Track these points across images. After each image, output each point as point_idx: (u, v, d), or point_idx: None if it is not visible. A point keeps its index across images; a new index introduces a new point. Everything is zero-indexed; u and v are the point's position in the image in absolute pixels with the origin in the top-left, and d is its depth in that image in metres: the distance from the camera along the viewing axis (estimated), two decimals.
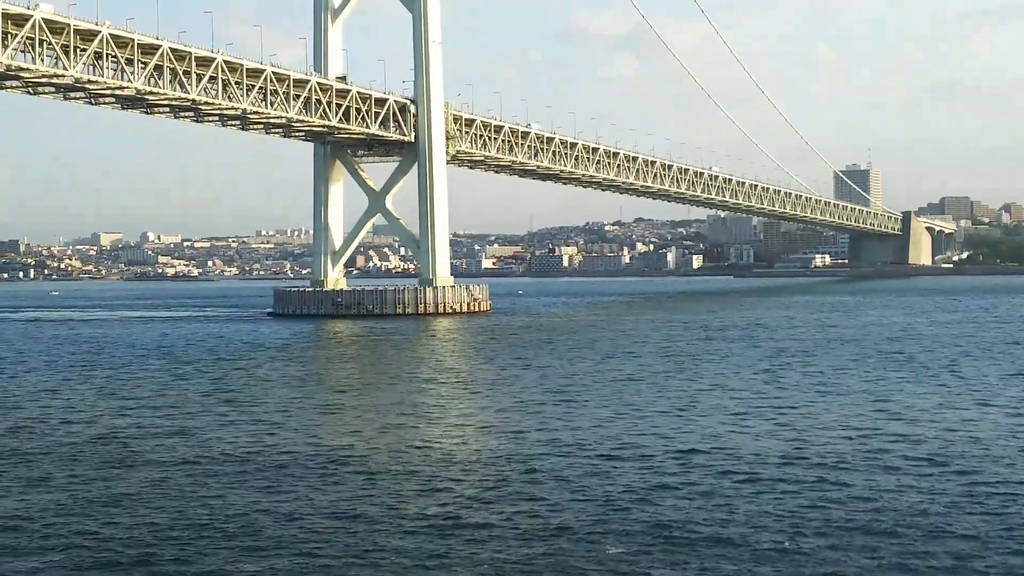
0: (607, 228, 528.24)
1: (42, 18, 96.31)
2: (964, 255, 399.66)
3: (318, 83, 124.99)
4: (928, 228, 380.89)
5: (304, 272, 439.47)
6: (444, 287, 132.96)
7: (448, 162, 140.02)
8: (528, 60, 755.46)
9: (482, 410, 52.41)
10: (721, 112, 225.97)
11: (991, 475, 32.47)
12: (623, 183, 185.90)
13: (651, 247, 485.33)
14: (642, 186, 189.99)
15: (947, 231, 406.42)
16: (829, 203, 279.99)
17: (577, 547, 24.19)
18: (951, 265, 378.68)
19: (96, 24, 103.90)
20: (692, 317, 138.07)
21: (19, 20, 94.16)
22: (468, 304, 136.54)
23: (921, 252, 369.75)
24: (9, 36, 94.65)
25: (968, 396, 52.50)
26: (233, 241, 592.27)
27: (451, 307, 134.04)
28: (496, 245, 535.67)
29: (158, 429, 45.84)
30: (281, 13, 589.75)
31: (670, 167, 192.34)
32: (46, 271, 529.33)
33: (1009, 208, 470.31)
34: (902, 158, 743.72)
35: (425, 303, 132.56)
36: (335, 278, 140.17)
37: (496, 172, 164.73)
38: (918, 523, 25.87)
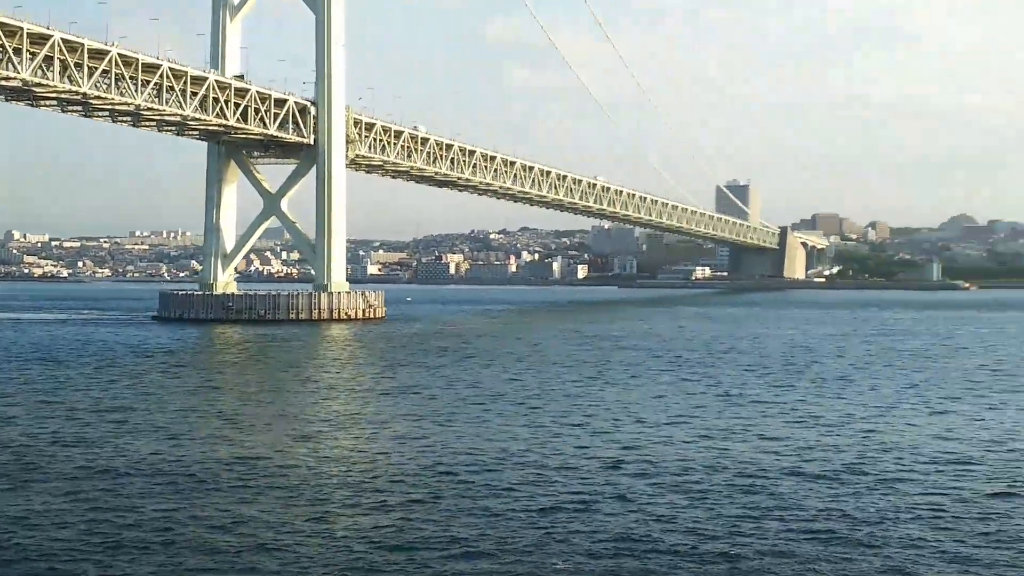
0: (492, 237, 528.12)
1: None
2: (835, 270, 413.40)
3: (216, 81, 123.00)
4: (803, 243, 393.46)
5: (182, 275, 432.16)
6: (340, 293, 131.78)
7: (346, 166, 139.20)
8: (430, 67, 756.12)
9: (393, 418, 51.53)
10: (612, 123, 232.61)
11: (908, 482, 32.94)
12: (519, 192, 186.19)
13: (536, 256, 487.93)
14: (537, 195, 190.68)
15: (819, 246, 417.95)
16: (712, 216, 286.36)
17: (517, 561, 23.46)
18: (823, 279, 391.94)
19: None
20: (587, 327, 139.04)
21: None
22: (364, 311, 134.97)
23: (796, 266, 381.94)
24: None
25: (870, 405, 53.69)
26: (105, 241, 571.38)
27: (346, 313, 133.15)
28: (381, 251, 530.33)
29: (53, 439, 43.70)
30: (179, 9, 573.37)
31: (564, 177, 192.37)
32: None
33: (875, 225, 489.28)
34: (779, 174, 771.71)
35: (320, 309, 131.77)
36: (225, 281, 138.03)
37: (393, 178, 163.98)
38: (842, 530, 25.94)
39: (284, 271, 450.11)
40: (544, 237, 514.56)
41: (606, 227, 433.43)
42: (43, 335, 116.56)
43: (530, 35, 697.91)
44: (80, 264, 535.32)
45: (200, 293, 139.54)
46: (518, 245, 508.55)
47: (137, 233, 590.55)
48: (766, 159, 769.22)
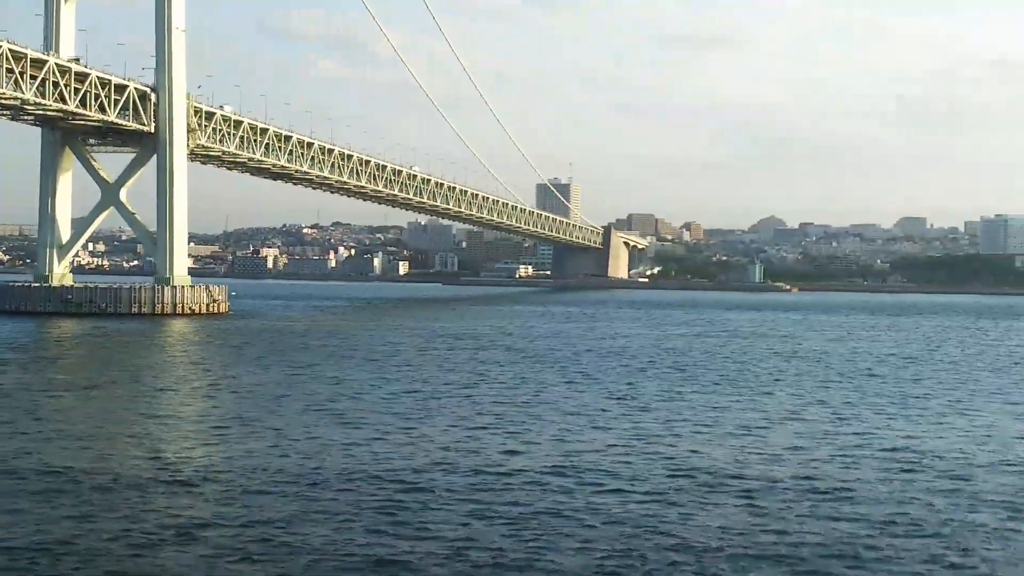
0: (305, 231, 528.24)
1: None
2: (656, 270, 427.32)
3: (56, 64, 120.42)
4: (625, 243, 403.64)
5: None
6: (183, 286, 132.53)
7: (198, 155, 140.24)
8: (253, 55, 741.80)
9: (245, 415, 51.17)
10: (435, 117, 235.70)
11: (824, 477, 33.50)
12: (354, 186, 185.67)
13: (353, 252, 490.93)
14: (356, 186, 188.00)
15: (640, 246, 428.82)
16: (534, 213, 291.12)
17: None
18: (647, 279, 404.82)
19: None
20: (434, 324, 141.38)
21: None
22: (207, 305, 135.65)
23: (620, 265, 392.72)
24: None
25: (743, 401, 55.59)
26: None
27: (190, 308, 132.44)
28: (192, 244, 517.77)
29: None
30: None
31: (384, 167, 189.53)
32: None
33: (689, 226, 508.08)
34: (598, 174, 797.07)
35: (163, 303, 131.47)
36: (61, 273, 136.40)
37: (229, 169, 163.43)
38: (696, 539, 25.52)
39: (95, 263, 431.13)
40: (358, 232, 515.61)
41: (422, 223, 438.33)
42: None
43: (347, 28, 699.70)
44: None
45: (36, 285, 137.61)
46: (332, 240, 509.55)
47: None
48: (587, 159, 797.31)
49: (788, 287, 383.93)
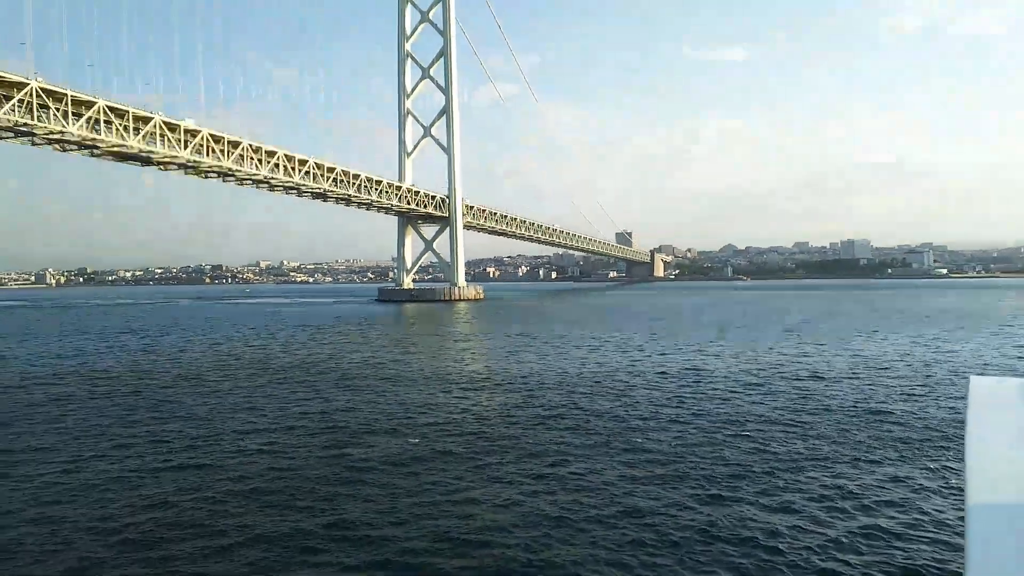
0: (505, 258, 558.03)
1: None
2: (676, 272, 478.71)
3: (407, 188, 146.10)
4: (661, 259, 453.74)
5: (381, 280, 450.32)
6: (462, 286, 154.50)
7: (466, 227, 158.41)
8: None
9: (511, 344, 52.97)
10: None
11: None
12: (543, 240, 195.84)
13: (527, 268, 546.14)
14: (543, 239, 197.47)
15: (667, 260, 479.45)
16: (615, 246, 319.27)
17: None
18: (673, 277, 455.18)
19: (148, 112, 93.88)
20: (596, 301, 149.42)
21: None
22: (475, 295, 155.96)
23: (659, 270, 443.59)
24: None
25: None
26: (326, 263, 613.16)
27: (466, 296, 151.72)
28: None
29: (368, 355, 46.15)
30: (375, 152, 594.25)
31: (549, 228, 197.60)
32: None
33: (691, 250, 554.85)
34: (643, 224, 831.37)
35: (454, 295, 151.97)
36: (407, 282, 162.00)
37: (478, 231, 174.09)
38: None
39: (415, 278, 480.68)
40: (528, 259, 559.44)
41: (560, 252, 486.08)
42: (335, 309, 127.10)
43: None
44: (316, 276, 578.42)
45: (398, 288, 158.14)
46: (516, 262, 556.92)
47: (351, 260, 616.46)
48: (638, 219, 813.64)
49: (745, 278, 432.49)
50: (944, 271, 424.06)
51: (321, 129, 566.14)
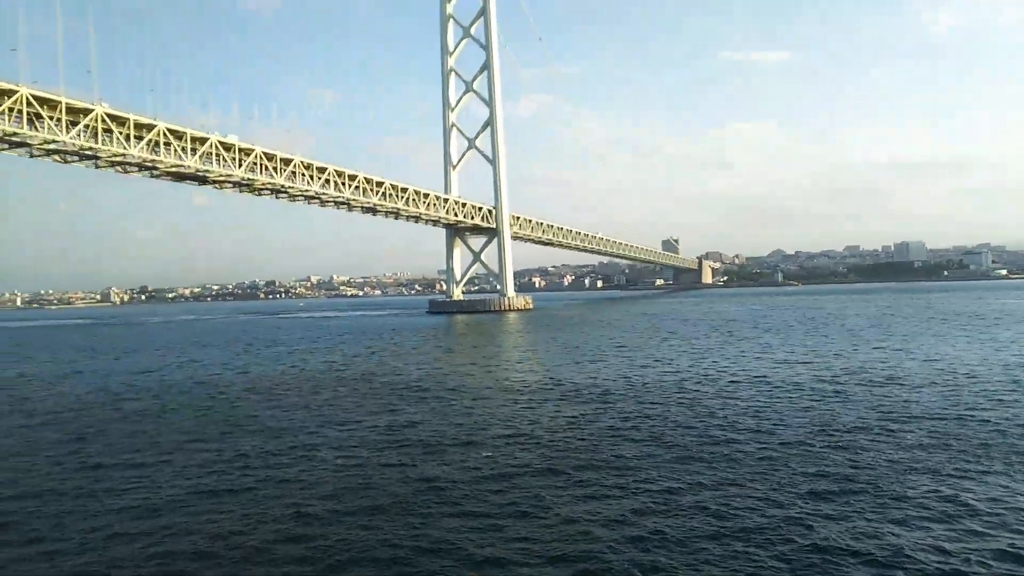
0: (549, 268, 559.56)
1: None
2: (724, 279, 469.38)
3: (454, 200, 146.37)
4: (709, 265, 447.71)
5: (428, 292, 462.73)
6: (511, 297, 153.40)
7: (513, 237, 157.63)
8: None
9: (559, 347, 55.60)
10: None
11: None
12: (587, 248, 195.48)
13: (572, 277, 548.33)
14: (592, 249, 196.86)
15: (715, 267, 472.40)
16: (664, 254, 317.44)
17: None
18: (722, 284, 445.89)
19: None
20: (650, 308, 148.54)
21: None
22: (523, 306, 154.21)
23: (707, 277, 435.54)
24: None
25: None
26: (374, 277, 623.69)
27: (516, 307, 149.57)
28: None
29: (424, 365, 49.52)
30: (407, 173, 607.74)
31: (599, 238, 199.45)
32: None
33: (738, 256, 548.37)
34: (691, 230, 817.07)
35: (504, 305, 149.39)
36: (457, 294, 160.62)
37: (524, 241, 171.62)
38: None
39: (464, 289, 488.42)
40: (573, 268, 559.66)
41: (605, 261, 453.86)
42: (389, 322, 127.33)
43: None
44: (365, 289, 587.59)
45: (448, 299, 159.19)
46: (561, 272, 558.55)
47: (398, 273, 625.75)
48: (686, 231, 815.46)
49: (796, 283, 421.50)
50: (1004, 272, 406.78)
51: (357, 146, 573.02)
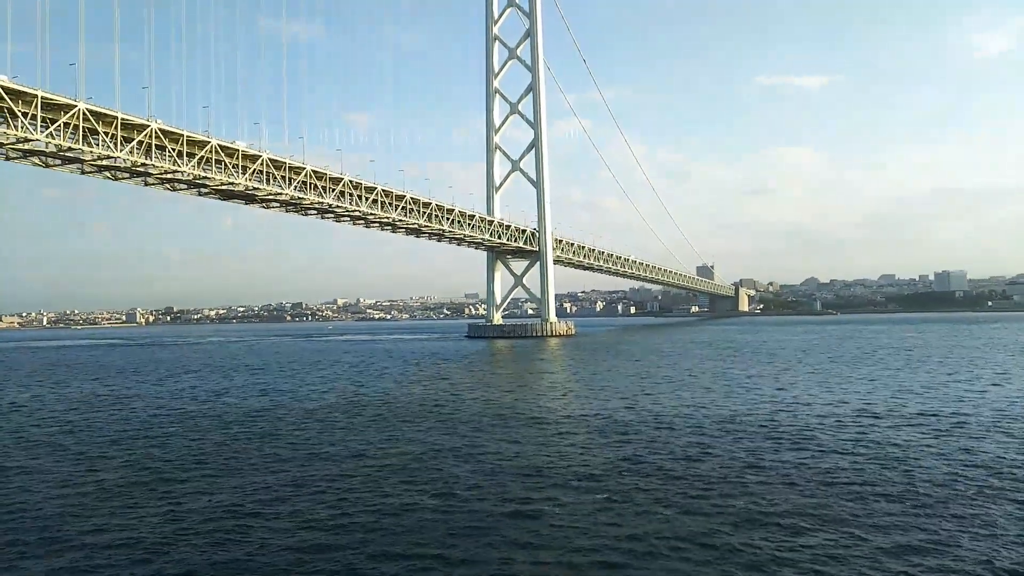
0: (579, 293, 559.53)
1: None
2: (761, 306, 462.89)
3: (498, 222, 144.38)
4: (745, 292, 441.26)
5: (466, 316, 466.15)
6: (553, 322, 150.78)
7: (555, 261, 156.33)
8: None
9: (600, 375, 55.84)
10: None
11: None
12: (626, 273, 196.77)
13: (603, 303, 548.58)
14: (629, 274, 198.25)
15: (751, 294, 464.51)
16: (699, 279, 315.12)
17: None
18: (759, 312, 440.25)
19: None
20: (691, 335, 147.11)
21: None
22: (565, 331, 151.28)
23: (743, 304, 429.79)
24: None
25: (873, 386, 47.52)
26: (402, 300, 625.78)
27: (557, 332, 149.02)
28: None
29: (457, 386, 49.81)
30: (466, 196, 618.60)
31: (638, 263, 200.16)
32: None
33: (772, 283, 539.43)
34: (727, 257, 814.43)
35: (545, 331, 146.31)
36: (497, 318, 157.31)
37: (565, 266, 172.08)
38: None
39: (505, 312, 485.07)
40: (603, 293, 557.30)
41: (637, 287, 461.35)
42: (428, 346, 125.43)
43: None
44: (392, 313, 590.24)
45: (488, 324, 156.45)
46: (592, 297, 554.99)
47: (425, 297, 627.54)
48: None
49: (834, 312, 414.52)
50: None
51: (395, 168, 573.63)
